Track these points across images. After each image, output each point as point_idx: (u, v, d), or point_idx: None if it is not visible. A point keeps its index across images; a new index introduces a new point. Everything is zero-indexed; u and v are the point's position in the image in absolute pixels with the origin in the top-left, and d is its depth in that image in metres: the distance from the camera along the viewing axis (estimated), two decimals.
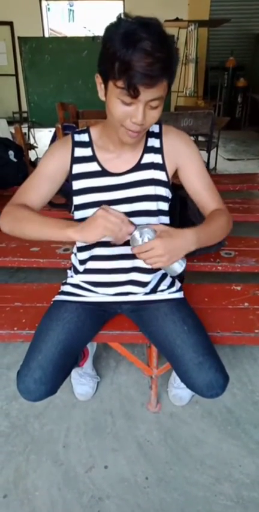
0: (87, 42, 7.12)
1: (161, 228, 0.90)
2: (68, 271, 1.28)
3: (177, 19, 6.30)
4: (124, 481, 1.18)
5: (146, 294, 1.17)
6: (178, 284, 1.25)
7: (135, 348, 1.66)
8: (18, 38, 7.29)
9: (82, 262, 1.14)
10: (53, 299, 1.20)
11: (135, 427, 1.35)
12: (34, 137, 5.62)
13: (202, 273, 1.62)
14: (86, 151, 1.05)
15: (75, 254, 1.18)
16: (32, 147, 4.31)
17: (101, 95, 0.91)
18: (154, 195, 1.05)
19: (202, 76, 7.53)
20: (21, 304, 1.39)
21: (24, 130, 4.01)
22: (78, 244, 1.13)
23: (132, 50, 0.77)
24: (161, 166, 1.05)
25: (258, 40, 7.46)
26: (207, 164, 3.77)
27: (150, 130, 1.06)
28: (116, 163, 1.04)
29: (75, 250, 1.19)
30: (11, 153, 2.69)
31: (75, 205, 1.07)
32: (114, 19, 0.84)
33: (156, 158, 1.05)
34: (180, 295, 1.21)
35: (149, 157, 1.05)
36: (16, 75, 8.21)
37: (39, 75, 7.45)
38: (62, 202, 1.95)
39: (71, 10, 13.95)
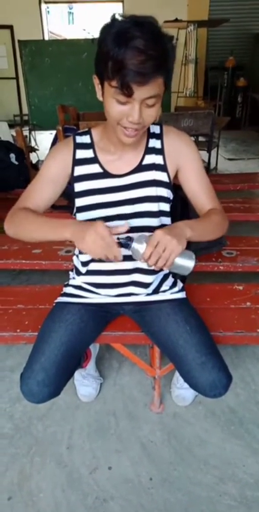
0: (86, 45, 7.15)
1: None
2: (70, 273, 1.28)
3: (176, 20, 6.31)
4: (128, 481, 1.18)
5: (148, 294, 1.17)
6: (180, 284, 1.25)
7: (138, 348, 1.66)
8: (18, 41, 7.33)
9: (84, 263, 1.14)
10: (56, 301, 1.21)
11: (138, 428, 1.35)
12: (35, 140, 5.64)
13: (204, 273, 1.62)
14: (88, 153, 1.05)
15: (77, 256, 1.19)
16: (33, 149, 4.31)
17: (99, 95, 0.92)
18: (156, 196, 1.05)
19: (202, 76, 7.54)
20: (23, 306, 1.40)
21: (25, 133, 4.02)
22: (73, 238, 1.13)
23: (125, 49, 0.78)
24: (162, 167, 1.06)
25: (257, 39, 7.46)
26: (208, 164, 3.78)
27: (151, 131, 1.06)
28: (117, 164, 1.04)
29: (77, 252, 1.19)
30: (12, 156, 2.70)
31: (77, 207, 1.07)
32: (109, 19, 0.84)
33: (157, 159, 1.05)
34: (182, 295, 1.21)
35: (150, 159, 1.05)
36: (16, 78, 8.24)
37: (39, 78, 7.48)
38: (63, 204, 1.95)
39: (70, 13, 13.98)
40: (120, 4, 7.49)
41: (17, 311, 1.37)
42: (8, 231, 1.04)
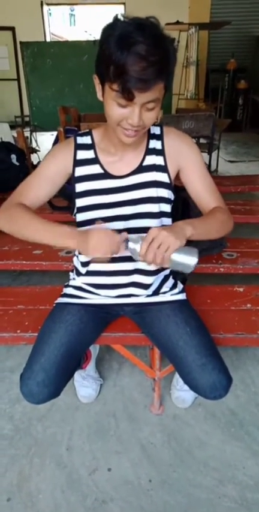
0: (88, 46, 7.17)
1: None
2: (70, 273, 1.28)
3: (177, 22, 6.33)
4: (127, 483, 1.18)
5: (148, 296, 1.17)
6: (180, 286, 1.25)
7: (138, 350, 1.66)
8: (20, 42, 7.36)
9: (84, 264, 1.14)
10: (56, 301, 1.21)
11: (138, 429, 1.35)
12: (36, 141, 5.64)
13: (204, 275, 1.62)
14: (89, 154, 1.06)
15: (77, 256, 1.19)
16: (34, 150, 4.32)
17: (99, 95, 0.92)
18: (157, 197, 1.05)
19: (203, 78, 7.56)
20: (24, 307, 1.40)
21: (26, 134, 4.02)
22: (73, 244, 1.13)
23: (127, 54, 0.77)
24: (163, 168, 1.06)
25: (258, 42, 7.47)
26: (209, 166, 3.78)
27: (151, 132, 1.06)
28: (118, 165, 1.05)
29: (77, 252, 1.19)
30: (14, 157, 2.71)
31: (77, 208, 1.07)
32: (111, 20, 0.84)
33: (158, 160, 1.05)
34: (182, 296, 1.21)
35: (151, 159, 1.05)
36: (18, 79, 8.27)
37: (41, 79, 7.50)
38: (64, 205, 1.96)
39: (72, 14, 14.03)
40: (122, 6, 7.53)
41: (17, 312, 1.37)
42: (1, 227, 1.03)
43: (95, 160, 1.05)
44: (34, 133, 5.62)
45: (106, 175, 1.04)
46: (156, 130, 1.07)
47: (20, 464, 1.23)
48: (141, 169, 1.05)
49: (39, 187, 1.06)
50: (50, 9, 8.34)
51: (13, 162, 2.68)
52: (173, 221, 1.12)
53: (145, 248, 0.87)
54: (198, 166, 1.08)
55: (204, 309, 1.34)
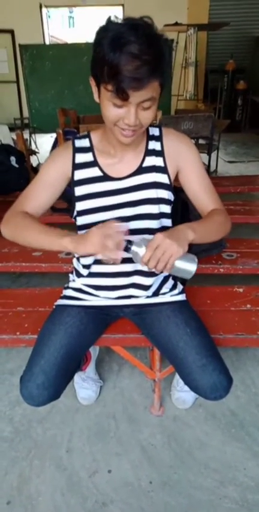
0: (87, 48, 7.17)
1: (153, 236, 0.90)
2: (70, 275, 1.28)
3: (176, 23, 6.34)
4: (128, 485, 1.17)
5: (148, 297, 1.17)
6: (180, 287, 1.25)
7: (138, 351, 1.65)
8: (19, 45, 7.37)
9: (86, 266, 1.14)
10: (55, 303, 1.20)
11: (138, 431, 1.34)
12: (35, 143, 5.66)
13: (204, 275, 1.62)
14: (87, 157, 1.06)
15: (78, 258, 1.18)
16: (34, 152, 4.33)
17: (96, 97, 0.92)
18: (156, 198, 1.05)
19: (202, 79, 7.57)
20: (23, 308, 1.40)
21: (26, 136, 4.03)
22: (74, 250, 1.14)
23: (119, 54, 0.78)
24: (163, 169, 1.06)
25: (257, 43, 7.49)
26: (208, 167, 3.78)
27: (150, 133, 1.06)
28: (117, 167, 1.05)
29: (77, 254, 1.19)
30: (13, 159, 2.71)
31: (77, 211, 1.07)
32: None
33: (157, 161, 1.05)
34: (182, 297, 1.21)
35: (151, 161, 1.05)
36: (17, 82, 8.28)
37: (40, 82, 7.51)
38: (63, 207, 1.96)
39: (71, 17, 14.07)
40: (121, 8, 7.54)
41: (17, 314, 1.37)
42: (4, 234, 1.04)
43: (93, 163, 1.05)
44: (33, 136, 5.63)
45: (105, 177, 1.04)
46: (155, 131, 1.07)
47: (20, 467, 1.23)
48: (140, 170, 1.05)
49: (40, 193, 1.06)
50: (48, 12, 8.36)
51: (12, 164, 2.68)
52: (172, 222, 1.12)
53: (149, 256, 0.87)
54: (196, 167, 1.07)
55: (204, 310, 1.34)
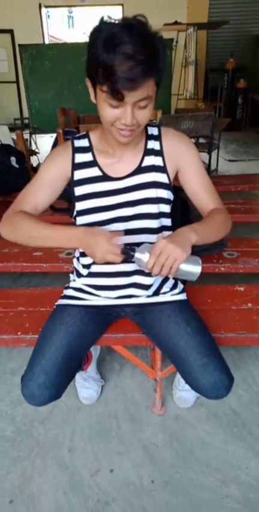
0: (86, 48, 7.15)
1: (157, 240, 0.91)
2: (71, 275, 1.28)
3: (176, 22, 6.34)
4: (130, 484, 1.17)
5: (149, 296, 1.16)
6: (181, 286, 1.25)
7: (139, 350, 1.65)
8: (19, 45, 7.35)
9: (86, 266, 1.14)
10: (56, 303, 1.21)
11: (140, 430, 1.34)
12: (36, 143, 5.65)
13: (205, 275, 1.60)
14: (87, 157, 1.06)
15: (78, 258, 1.19)
16: (34, 152, 4.32)
17: (92, 97, 0.92)
18: (156, 198, 1.05)
19: (202, 78, 7.55)
20: (24, 308, 1.40)
21: (26, 136, 4.03)
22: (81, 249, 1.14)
23: (113, 54, 0.78)
24: (162, 169, 1.06)
25: (257, 41, 7.47)
26: (209, 165, 3.78)
27: (149, 133, 1.06)
28: (116, 167, 1.04)
29: (77, 254, 1.19)
30: (13, 159, 2.71)
31: (77, 211, 1.07)
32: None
33: (156, 161, 1.05)
34: (183, 296, 1.20)
35: (150, 160, 1.05)
36: (17, 82, 8.28)
37: (39, 82, 7.50)
38: (64, 207, 1.96)
39: (70, 17, 14.06)
40: (120, 8, 7.54)
41: (18, 314, 1.37)
42: (3, 235, 1.03)
43: (93, 163, 1.05)
44: (33, 136, 5.63)
45: (105, 177, 1.04)
46: (154, 131, 1.07)
47: (22, 466, 1.23)
48: (140, 170, 1.04)
49: (39, 193, 1.06)
50: (48, 12, 8.36)
51: (12, 164, 2.68)
52: (172, 221, 1.12)
53: (152, 262, 0.87)
54: (196, 166, 1.07)
55: (205, 309, 1.34)
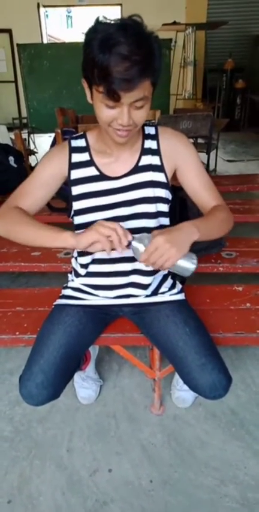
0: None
1: (156, 231, 0.90)
2: (69, 275, 1.28)
3: (174, 22, 6.34)
4: (128, 484, 1.17)
5: (147, 296, 1.16)
6: (179, 286, 1.25)
7: (138, 350, 1.65)
8: (17, 45, 7.34)
9: (83, 265, 1.14)
10: (54, 303, 1.20)
11: (138, 430, 1.34)
12: (34, 143, 5.64)
13: (203, 274, 1.61)
14: (84, 157, 1.05)
15: (76, 258, 1.18)
16: (32, 152, 4.32)
17: (89, 98, 0.92)
18: (153, 197, 1.05)
19: (200, 78, 7.55)
20: (22, 308, 1.39)
21: (24, 136, 4.02)
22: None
23: (109, 55, 0.78)
24: (159, 168, 1.05)
25: (255, 41, 7.48)
26: (207, 166, 3.78)
27: (146, 132, 1.06)
28: (113, 167, 1.04)
29: (75, 254, 1.19)
30: (11, 159, 2.70)
31: (74, 211, 1.07)
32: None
33: (154, 160, 1.05)
34: (181, 296, 1.20)
35: (147, 159, 1.05)
36: (15, 81, 8.26)
37: (38, 81, 7.49)
38: (62, 207, 1.96)
39: (68, 16, 14.04)
40: (119, 8, 7.53)
41: (16, 313, 1.37)
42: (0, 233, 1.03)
43: (90, 163, 1.05)
44: (32, 135, 5.61)
45: (102, 177, 1.04)
46: (151, 130, 1.07)
47: (21, 466, 1.23)
48: (137, 169, 1.04)
49: (34, 192, 1.05)
50: (46, 11, 8.35)
51: (11, 164, 2.67)
52: (171, 221, 1.12)
53: (145, 257, 0.87)
54: (194, 164, 1.07)
55: (203, 309, 1.34)
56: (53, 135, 2.83)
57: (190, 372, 1.02)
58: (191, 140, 3.58)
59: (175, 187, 1.12)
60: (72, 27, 14.21)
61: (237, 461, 1.23)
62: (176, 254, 0.85)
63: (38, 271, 1.73)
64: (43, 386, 0.99)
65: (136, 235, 0.92)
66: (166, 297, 1.18)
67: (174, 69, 6.98)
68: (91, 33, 0.82)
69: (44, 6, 7.80)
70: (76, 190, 1.05)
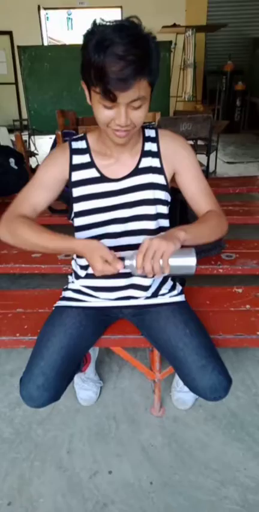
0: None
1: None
2: (69, 276, 1.28)
3: (174, 25, 6.37)
4: (128, 486, 1.17)
5: (147, 297, 1.17)
6: (179, 287, 1.25)
7: (138, 352, 1.65)
8: (18, 46, 7.37)
9: (83, 267, 1.14)
10: (55, 305, 1.21)
11: (139, 432, 1.34)
12: (34, 144, 5.66)
13: (203, 276, 1.62)
14: (84, 158, 1.06)
15: (76, 260, 1.19)
16: (33, 154, 4.33)
17: (88, 99, 0.93)
18: (153, 199, 1.06)
19: (200, 80, 7.59)
20: (23, 310, 1.40)
21: (25, 137, 4.03)
22: None
23: (104, 56, 0.79)
24: (159, 170, 1.06)
25: (255, 44, 7.51)
26: (207, 168, 3.79)
27: (146, 135, 1.07)
28: (114, 168, 1.05)
29: (75, 256, 1.19)
30: (12, 161, 2.71)
31: (75, 212, 1.07)
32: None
33: (153, 162, 1.06)
34: (181, 298, 1.21)
35: (147, 162, 1.05)
36: (16, 83, 8.29)
37: (38, 83, 7.52)
38: (62, 209, 1.96)
39: (69, 18, 14.07)
40: (119, 10, 7.56)
41: (17, 315, 1.37)
42: (2, 237, 1.02)
43: (90, 164, 1.05)
44: (32, 137, 5.64)
45: (102, 178, 1.05)
46: (151, 133, 1.08)
47: (21, 468, 1.23)
48: (137, 171, 1.05)
49: (37, 195, 1.06)
50: (47, 13, 8.37)
51: (11, 165, 2.68)
52: (171, 223, 1.12)
53: (141, 259, 0.86)
54: (193, 168, 1.08)
55: (203, 310, 1.34)
56: (53, 136, 2.85)
57: (191, 374, 1.02)
58: (191, 142, 3.59)
59: (175, 189, 1.13)
60: (72, 30, 14.23)
61: (237, 463, 1.23)
62: (168, 244, 0.84)
63: (39, 273, 1.74)
64: (44, 388, 0.99)
65: (126, 254, 0.92)
66: (167, 299, 1.18)
67: (174, 71, 7.00)
68: (88, 35, 0.83)
69: (45, 8, 7.84)
70: (77, 192, 1.06)
